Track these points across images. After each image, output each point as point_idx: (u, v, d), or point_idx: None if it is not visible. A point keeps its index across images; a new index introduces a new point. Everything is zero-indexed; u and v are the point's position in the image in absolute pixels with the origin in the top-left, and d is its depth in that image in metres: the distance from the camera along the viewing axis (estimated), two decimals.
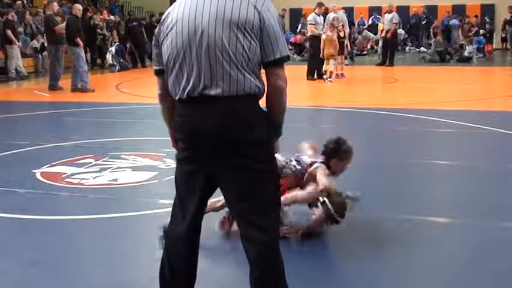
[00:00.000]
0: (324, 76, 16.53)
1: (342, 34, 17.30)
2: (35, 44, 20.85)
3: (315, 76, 16.97)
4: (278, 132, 3.16)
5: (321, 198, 4.59)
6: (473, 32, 25.09)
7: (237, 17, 2.89)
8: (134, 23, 24.06)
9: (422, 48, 28.85)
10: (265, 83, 2.99)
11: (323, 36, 16.53)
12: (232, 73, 2.90)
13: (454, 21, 27.56)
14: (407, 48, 30.12)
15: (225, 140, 2.96)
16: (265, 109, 3.05)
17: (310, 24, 17.14)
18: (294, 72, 17.76)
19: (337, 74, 17.06)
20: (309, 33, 17.29)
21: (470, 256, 4.50)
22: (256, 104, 3.01)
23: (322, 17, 17.22)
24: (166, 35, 3.08)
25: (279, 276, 3.16)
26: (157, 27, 3.18)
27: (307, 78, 16.94)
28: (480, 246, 4.65)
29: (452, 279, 4.10)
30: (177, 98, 3.08)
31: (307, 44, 16.71)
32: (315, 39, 16.84)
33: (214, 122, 2.94)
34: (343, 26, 17.65)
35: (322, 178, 4.63)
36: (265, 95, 3.04)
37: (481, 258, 4.41)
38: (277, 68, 2.98)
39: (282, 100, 3.03)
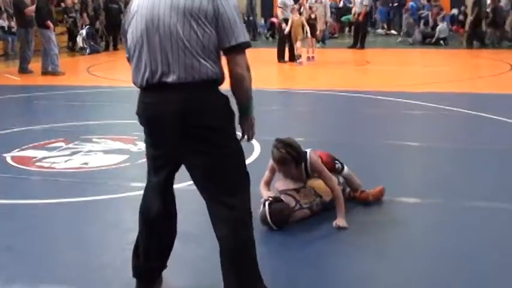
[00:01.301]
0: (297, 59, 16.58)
1: (313, 16, 17.29)
2: (2, 23, 20.52)
3: (286, 58, 16.97)
4: (246, 112, 3.19)
5: (264, 201, 4.64)
6: (442, 15, 25.20)
7: (191, 5, 2.93)
8: (114, 5, 23.67)
9: (393, 31, 29.00)
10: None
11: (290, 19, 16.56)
12: (187, 60, 2.94)
13: (412, 4, 27.74)
14: (378, 30, 30.20)
15: (183, 126, 3.00)
16: (225, 93, 3.08)
17: (278, 7, 17.09)
18: (266, 55, 17.77)
19: (308, 57, 17.08)
20: (280, 16, 17.25)
21: (439, 235, 4.56)
22: (214, 90, 3.06)
23: (292, 0, 17.19)
24: (130, 23, 3.13)
25: (249, 254, 3.20)
26: (124, 16, 3.22)
27: (279, 61, 16.93)
28: (448, 225, 4.72)
29: (421, 258, 4.15)
30: (138, 85, 3.13)
31: (284, 26, 16.65)
32: (284, 22, 16.82)
33: (172, 109, 2.99)
34: (311, 8, 17.64)
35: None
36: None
37: (449, 237, 4.47)
38: (235, 54, 3.01)
39: (242, 86, 3.07)
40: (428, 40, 23.45)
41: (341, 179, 5.08)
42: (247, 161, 6.20)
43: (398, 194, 5.30)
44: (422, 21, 25.28)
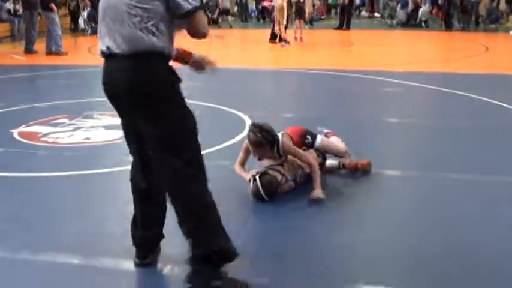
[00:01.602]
0: (282, 42, 16.41)
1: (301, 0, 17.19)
2: (8, 6, 20.34)
3: (277, 40, 16.87)
4: None
5: (253, 177, 4.64)
6: None
7: None
8: None
9: (376, 14, 28.90)
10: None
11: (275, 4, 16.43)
12: (132, 33, 3.00)
13: None
14: (362, 13, 30.09)
15: (130, 95, 3.06)
16: (170, 65, 3.14)
17: None
18: (257, 36, 17.69)
19: (295, 38, 17.00)
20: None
21: (420, 205, 4.57)
22: (158, 61, 3.08)
23: None
24: None
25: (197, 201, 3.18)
26: None
27: (269, 41, 16.83)
28: (429, 196, 4.73)
29: (402, 226, 4.16)
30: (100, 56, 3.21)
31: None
32: None
33: (119, 78, 3.06)
34: None
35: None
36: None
37: (430, 207, 4.49)
38: (191, 18, 3.05)
39: (202, 37, 3.13)
40: (412, 22, 23.40)
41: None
42: (241, 136, 6.25)
43: (382, 167, 5.29)
44: (399, 5, 25.12)
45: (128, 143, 3.38)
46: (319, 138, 5.12)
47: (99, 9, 3.18)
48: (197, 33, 3.09)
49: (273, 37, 16.85)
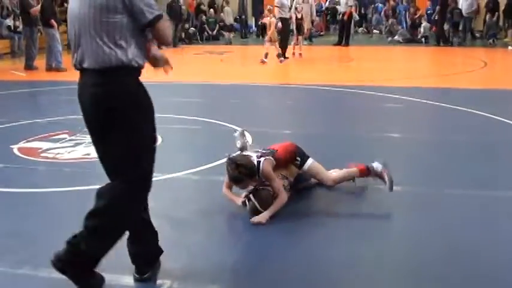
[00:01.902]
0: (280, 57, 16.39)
1: (299, 16, 17.22)
2: (8, 22, 20.42)
3: (285, 55, 16.75)
4: None
5: (246, 197, 4.67)
6: (418, 16, 25.05)
7: (105, 2, 3.03)
8: None
9: (375, 30, 28.94)
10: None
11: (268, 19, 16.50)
12: (98, 48, 3.04)
13: (400, 7, 27.72)
14: (360, 29, 30.14)
15: (96, 108, 3.10)
16: (139, 79, 3.19)
17: (275, 6, 16.99)
18: (257, 52, 17.72)
19: (294, 54, 17.02)
20: (277, 16, 17.13)
21: (417, 219, 4.57)
22: (126, 74, 3.11)
23: (289, 0, 17.15)
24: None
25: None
26: None
27: (276, 56, 16.73)
28: (427, 211, 4.74)
29: (401, 241, 4.17)
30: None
31: (279, 25, 16.50)
32: (283, 21, 16.69)
33: (87, 92, 3.12)
34: (296, 8, 17.56)
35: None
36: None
37: (429, 222, 4.49)
38: (154, 27, 3.12)
39: (167, 44, 3.27)
40: (411, 37, 23.46)
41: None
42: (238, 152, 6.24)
43: (381, 182, 5.29)
44: (391, 21, 25.18)
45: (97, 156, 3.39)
46: (309, 162, 5.02)
47: (68, 23, 3.22)
48: (162, 42, 3.20)
49: (282, 53, 16.73)
